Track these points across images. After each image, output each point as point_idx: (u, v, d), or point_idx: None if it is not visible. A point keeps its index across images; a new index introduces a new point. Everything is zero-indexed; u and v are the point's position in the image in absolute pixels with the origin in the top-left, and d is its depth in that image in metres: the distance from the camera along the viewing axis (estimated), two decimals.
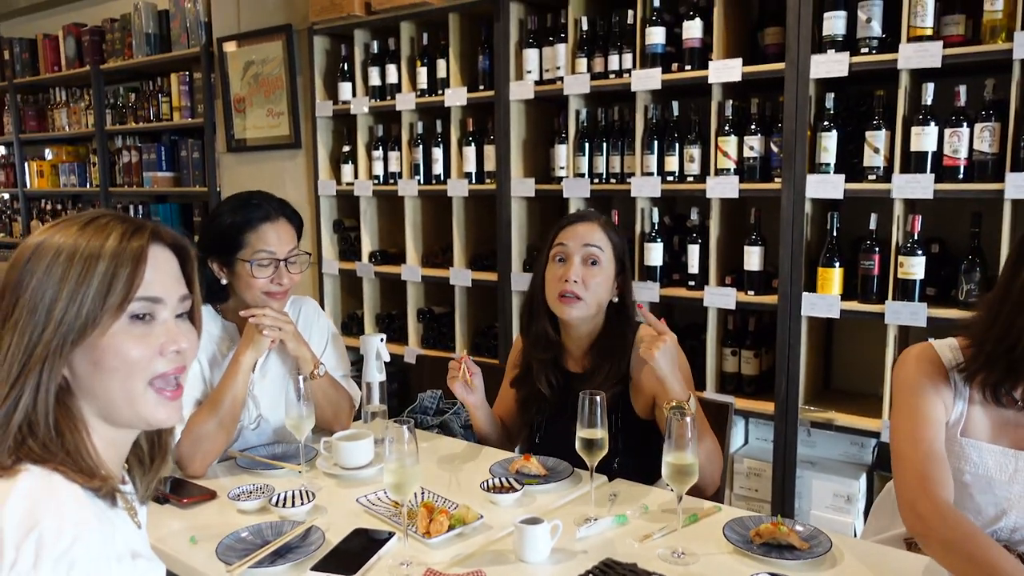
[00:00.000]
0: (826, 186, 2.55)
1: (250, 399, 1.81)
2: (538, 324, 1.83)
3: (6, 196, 6.35)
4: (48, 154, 5.94)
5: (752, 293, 2.77)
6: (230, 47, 4.20)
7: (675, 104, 2.90)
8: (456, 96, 3.36)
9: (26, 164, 5.95)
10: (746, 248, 2.76)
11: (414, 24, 3.54)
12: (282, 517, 1.47)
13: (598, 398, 1.42)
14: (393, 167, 3.69)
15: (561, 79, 3.08)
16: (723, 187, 2.75)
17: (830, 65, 2.50)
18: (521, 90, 3.18)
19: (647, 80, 2.85)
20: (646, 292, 2.96)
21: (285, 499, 1.54)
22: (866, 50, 2.47)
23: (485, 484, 1.57)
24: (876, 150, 2.50)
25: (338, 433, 1.77)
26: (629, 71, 2.92)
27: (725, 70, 2.70)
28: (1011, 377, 1.30)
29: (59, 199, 5.86)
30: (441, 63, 3.44)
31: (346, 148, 3.87)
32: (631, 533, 1.42)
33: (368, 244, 3.86)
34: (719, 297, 2.81)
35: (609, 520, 1.44)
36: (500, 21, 3.19)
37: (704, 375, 2.90)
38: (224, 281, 1.79)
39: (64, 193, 5.78)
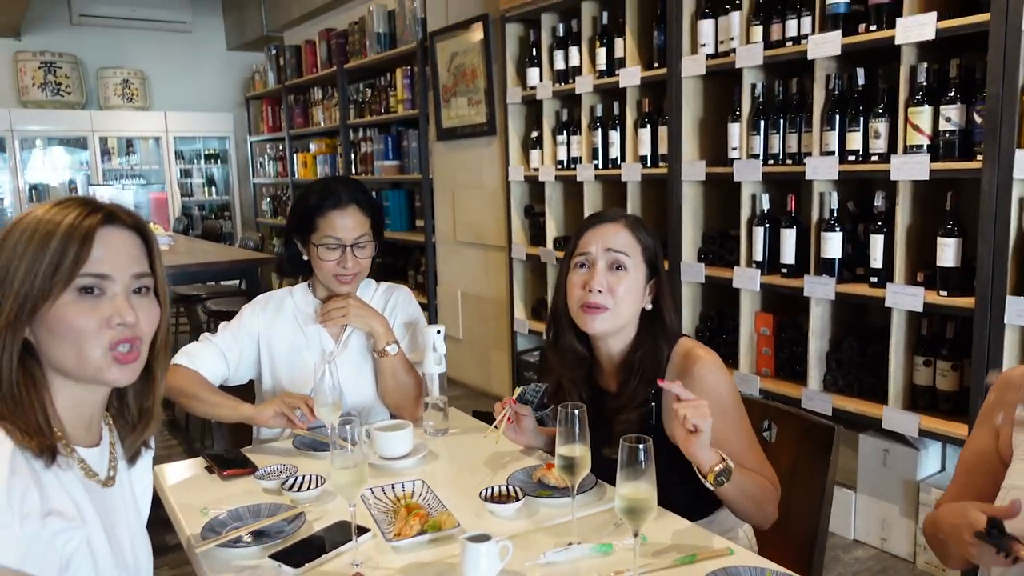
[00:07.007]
0: None
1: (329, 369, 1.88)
2: (564, 338, 1.65)
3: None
4: (312, 147, 6.70)
5: (945, 294, 2.31)
6: (439, 39, 4.40)
7: (860, 72, 2.50)
8: (629, 76, 3.20)
9: (295, 156, 6.77)
10: (939, 240, 2.31)
11: (596, 2, 3.44)
12: (292, 500, 1.47)
13: (576, 411, 1.27)
14: (575, 151, 3.63)
15: (734, 51, 2.80)
16: (910, 167, 2.32)
17: None
18: (693, 65, 2.95)
19: (824, 45, 2.49)
20: (820, 288, 2.60)
21: (299, 483, 1.52)
22: None
23: (485, 492, 1.47)
24: None
25: (379, 422, 1.77)
26: (807, 36, 2.57)
27: (916, 27, 2.26)
28: None
29: None
30: (619, 42, 3.30)
31: (534, 134, 3.88)
32: (606, 566, 1.22)
33: (553, 230, 3.85)
34: (904, 297, 2.39)
35: (588, 548, 1.27)
36: None
37: (887, 387, 2.49)
38: (306, 257, 1.90)
39: None
